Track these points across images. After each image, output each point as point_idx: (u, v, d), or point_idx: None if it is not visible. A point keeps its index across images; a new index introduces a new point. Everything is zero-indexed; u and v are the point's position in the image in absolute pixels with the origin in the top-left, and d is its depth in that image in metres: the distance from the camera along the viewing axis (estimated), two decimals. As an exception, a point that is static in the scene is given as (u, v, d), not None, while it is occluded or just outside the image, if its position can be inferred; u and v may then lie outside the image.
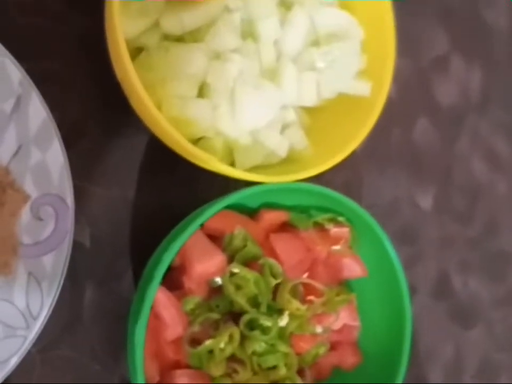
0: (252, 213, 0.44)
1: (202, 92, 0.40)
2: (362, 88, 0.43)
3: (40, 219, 0.38)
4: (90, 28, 0.42)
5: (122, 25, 0.36)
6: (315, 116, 0.44)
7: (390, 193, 0.53)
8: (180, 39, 0.39)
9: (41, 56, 0.42)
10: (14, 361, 0.37)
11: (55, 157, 0.38)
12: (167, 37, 0.39)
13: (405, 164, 0.54)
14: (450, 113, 0.56)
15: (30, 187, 0.38)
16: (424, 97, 0.55)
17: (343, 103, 0.44)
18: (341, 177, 0.50)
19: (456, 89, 0.56)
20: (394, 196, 0.53)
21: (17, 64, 0.38)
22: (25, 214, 0.38)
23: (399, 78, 0.46)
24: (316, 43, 0.43)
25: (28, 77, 0.38)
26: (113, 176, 0.44)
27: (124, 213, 0.43)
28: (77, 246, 0.40)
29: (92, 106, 0.43)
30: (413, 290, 0.46)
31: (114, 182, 0.44)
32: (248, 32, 0.41)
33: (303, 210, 0.44)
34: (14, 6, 0.42)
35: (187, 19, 0.39)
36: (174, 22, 0.39)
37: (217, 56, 0.39)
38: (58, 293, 0.38)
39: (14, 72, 0.38)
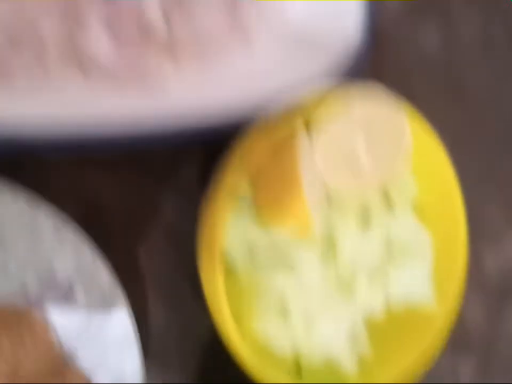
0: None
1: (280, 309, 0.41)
2: (429, 301, 0.44)
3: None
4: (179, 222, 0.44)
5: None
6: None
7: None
8: (264, 254, 0.40)
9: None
10: None
11: (133, 364, 0.39)
12: (252, 251, 0.40)
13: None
14: (499, 286, 0.57)
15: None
16: (472, 270, 0.56)
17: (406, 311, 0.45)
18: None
19: (506, 260, 0.57)
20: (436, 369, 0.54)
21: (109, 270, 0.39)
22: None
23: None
24: (388, 255, 0.44)
25: (118, 286, 0.39)
26: (175, 360, 0.45)
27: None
28: None
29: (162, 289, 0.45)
30: None
31: (176, 367, 0.45)
32: (326, 247, 0.42)
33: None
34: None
35: (275, 236, 0.40)
36: (263, 239, 0.40)
37: (298, 277, 0.40)
38: None
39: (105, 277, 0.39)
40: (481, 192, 0.55)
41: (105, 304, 0.39)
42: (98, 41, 0.41)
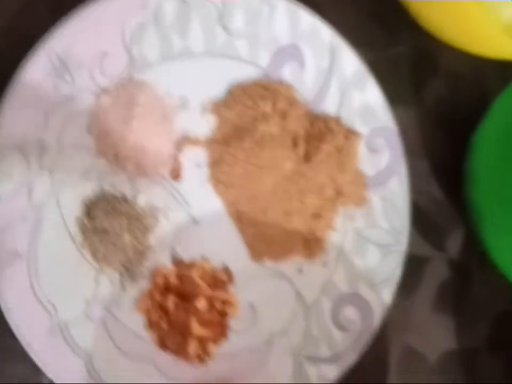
0: None
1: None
2: None
3: (376, 151, 0.43)
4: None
5: None
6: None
7: None
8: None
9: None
10: (397, 272, 0.44)
11: (373, 94, 0.43)
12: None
13: None
14: None
15: (360, 126, 0.43)
16: None
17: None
18: None
19: None
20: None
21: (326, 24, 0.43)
22: (362, 150, 0.44)
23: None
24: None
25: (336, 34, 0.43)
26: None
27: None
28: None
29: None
30: None
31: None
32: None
33: None
34: None
35: None
36: None
37: None
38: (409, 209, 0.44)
39: (325, 31, 0.43)
40: None
41: (331, 53, 0.43)
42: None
